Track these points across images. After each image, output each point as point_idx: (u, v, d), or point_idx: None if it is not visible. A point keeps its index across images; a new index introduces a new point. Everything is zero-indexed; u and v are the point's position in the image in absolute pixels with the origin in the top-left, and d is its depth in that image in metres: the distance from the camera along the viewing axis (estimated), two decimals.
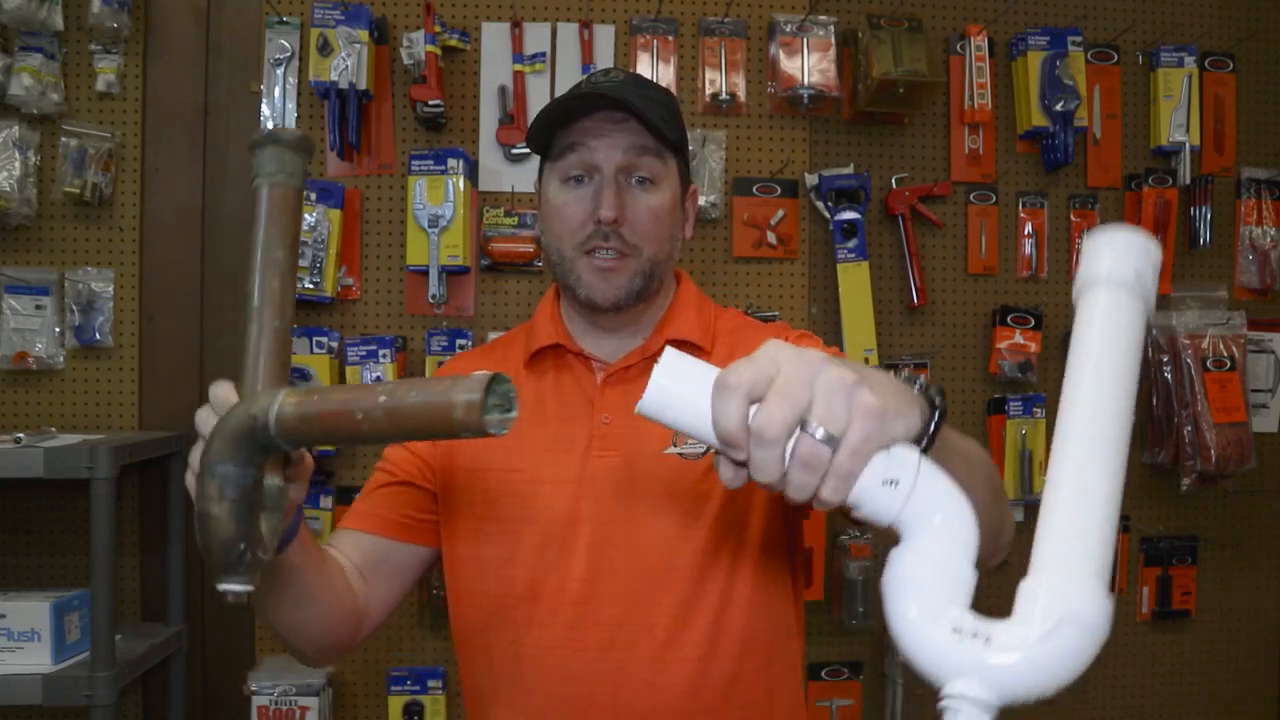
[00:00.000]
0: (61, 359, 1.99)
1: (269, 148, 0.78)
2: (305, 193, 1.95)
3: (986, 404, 2.17)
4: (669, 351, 0.60)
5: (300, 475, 0.79)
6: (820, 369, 0.56)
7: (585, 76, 1.12)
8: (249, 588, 0.69)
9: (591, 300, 1.06)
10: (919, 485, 0.57)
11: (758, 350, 0.58)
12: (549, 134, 1.09)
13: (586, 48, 2.07)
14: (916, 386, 0.65)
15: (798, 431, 0.56)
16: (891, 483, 0.57)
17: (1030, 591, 0.53)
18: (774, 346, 0.58)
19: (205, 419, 0.74)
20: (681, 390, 0.59)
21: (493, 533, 1.06)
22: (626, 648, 1.01)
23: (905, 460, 0.58)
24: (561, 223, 1.07)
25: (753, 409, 0.56)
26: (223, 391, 0.74)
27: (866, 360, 2.06)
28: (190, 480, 0.75)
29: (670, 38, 2.09)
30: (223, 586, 0.69)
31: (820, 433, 0.55)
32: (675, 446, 1.04)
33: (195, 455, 0.74)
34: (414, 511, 1.11)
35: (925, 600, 0.55)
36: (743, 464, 0.58)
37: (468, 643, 1.10)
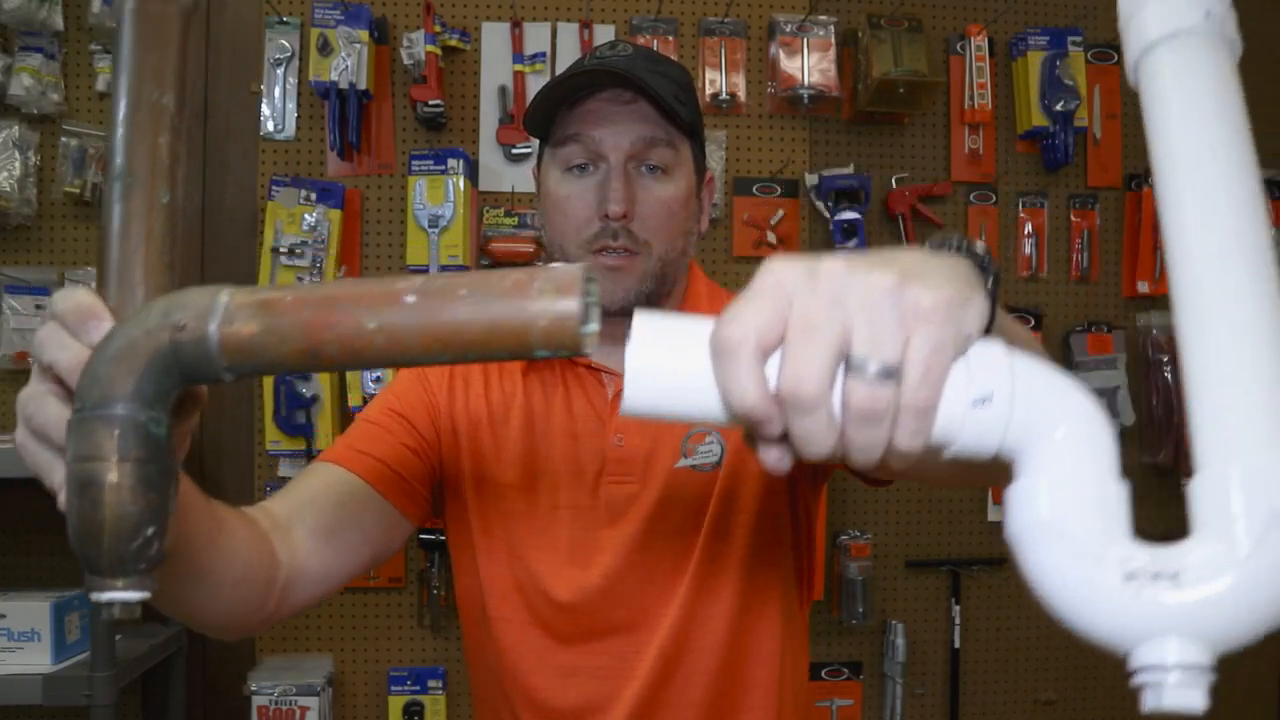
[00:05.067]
0: None
1: None
2: (306, 193, 1.97)
3: None
4: (639, 320, 0.43)
5: (191, 415, 0.54)
6: (844, 279, 0.40)
7: (591, 50, 1.00)
8: (147, 594, 0.45)
9: None
10: (1018, 392, 0.41)
11: (755, 280, 0.42)
12: (550, 115, 0.98)
13: (586, 48, 2.07)
14: (956, 249, 0.49)
15: (841, 373, 0.40)
16: (983, 400, 0.41)
17: (1214, 489, 0.39)
18: (774, 267, 0.42)
19: (56, 341, 0.49)
20: (671, 370, 0.42)
21: (504, 556, 0.99)
22: (635, 676, 0.96)
23: (992, 364, 0.41)
24: (564, 218, 0.96)
25: (773, 363, 0.41)
26: (84, 299, 0.49)
27: None
28: (27, 441, 0.51)
29: (670, 38, 2.09)
30: (110, 596, 0.44)
31: (873, 366, 0.39)
32: (686, 459, 0.97)
33: (42, 406, 0.50)
34: (409, 475, 0.97)
35: (1077, 547, 0.39)
36: (784, 438, 0.42)
37: (484, 669, 1.04)
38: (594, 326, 0.42)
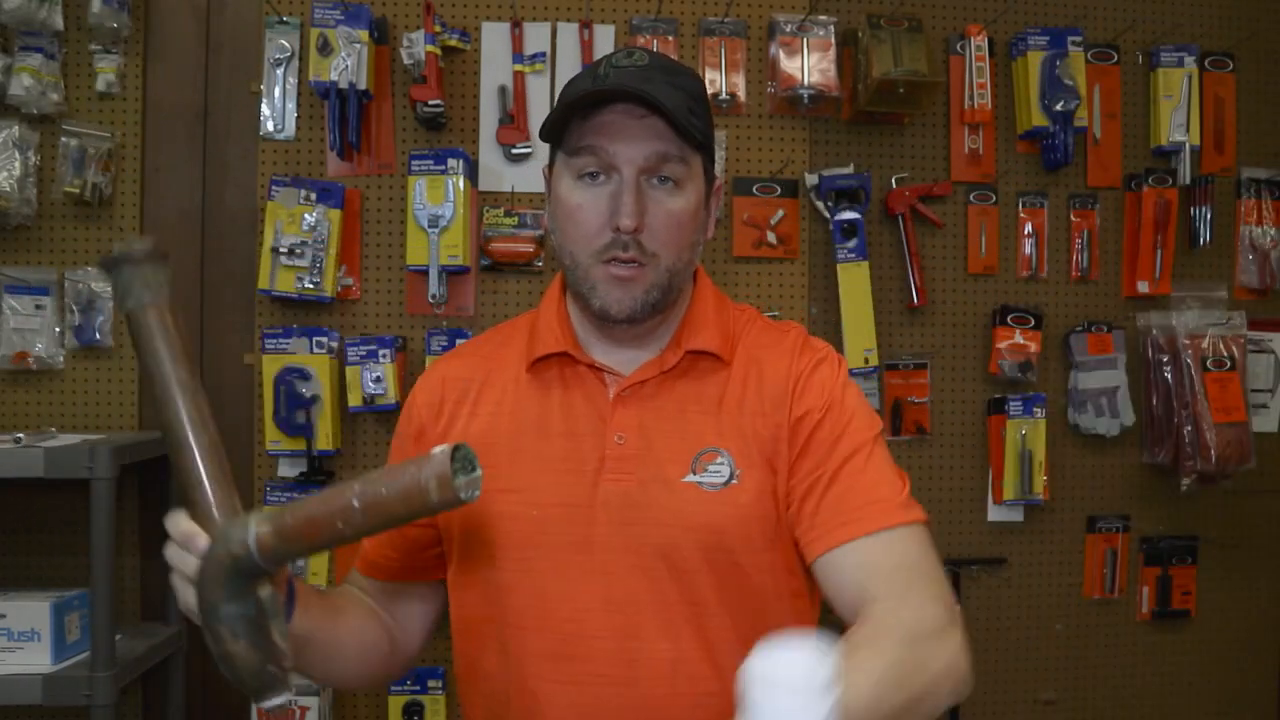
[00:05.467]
0: (61, 359, 1.98)
1: (125, 269, 0.78)
2: (306, 193, 1.97)
3: (987, 404, 2.17)
4: None
5: (283, 572, 0.84)
6: None
7: (606, 56, 1.02)
8: (289, 694, 0.77)
9: (606, 311, 0.98)
10: None
11: None
12: (564, 123, 0.99)
13: (586, 48, 2.07)
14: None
15: None
16: None
17: None
18: None
19: (178, 557, 0.81)
20: None
21: (497, 558, 1.00)
22: (637, 682, 0.96)
23: None
24: (576, 227, 0.98)
25: None
26: (185, 525, 0.80)
27: (866, 360, 2.07)
28: (184, 608, 0.82)
29: (670, 38, 2.09)
30: (267, 705, 0.76)
31: None
32: (694, 475, 0.98)
33: (186, 593, 0.81)
34: (417, 551, 1.07)
35: None
36: None
37: (469, 670, 1.05)
38: (477, 473, 0.68)
